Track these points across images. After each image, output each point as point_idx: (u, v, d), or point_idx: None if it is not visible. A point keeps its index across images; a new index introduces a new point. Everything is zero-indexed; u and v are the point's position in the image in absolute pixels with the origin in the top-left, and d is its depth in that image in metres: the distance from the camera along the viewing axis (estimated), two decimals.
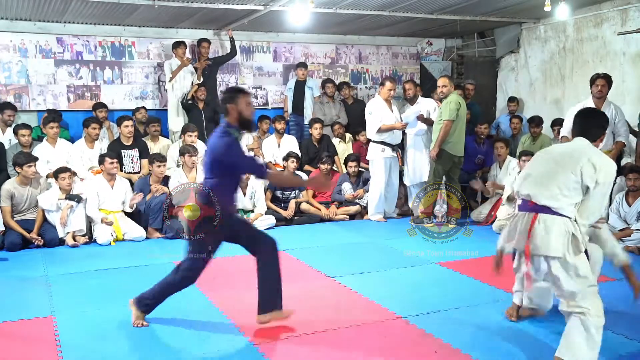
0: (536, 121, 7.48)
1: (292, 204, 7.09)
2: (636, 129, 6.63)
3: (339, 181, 7.40)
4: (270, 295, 3.61)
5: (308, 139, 8.10)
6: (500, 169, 7.03)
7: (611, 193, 5.96)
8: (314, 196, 7.38)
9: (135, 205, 6.37)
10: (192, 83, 7.83)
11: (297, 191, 7.26)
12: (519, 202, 3.25)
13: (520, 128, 8.14)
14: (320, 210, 7.19)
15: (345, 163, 7.54)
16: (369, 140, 7.25)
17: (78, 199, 6.01)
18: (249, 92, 3.67)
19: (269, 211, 6.91)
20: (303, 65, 8.55)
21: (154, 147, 7.27)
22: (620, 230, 5.68)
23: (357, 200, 7.36)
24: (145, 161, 6.94)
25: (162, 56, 8.24)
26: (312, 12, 6.78)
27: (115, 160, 6.33)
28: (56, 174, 6.10)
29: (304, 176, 7.40)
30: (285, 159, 7.23)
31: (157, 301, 3.69)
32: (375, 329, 3.69)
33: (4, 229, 5.82)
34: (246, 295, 3.64)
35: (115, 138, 7.23)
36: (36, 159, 6.05)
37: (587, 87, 5.99)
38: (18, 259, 5.50)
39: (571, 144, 3.24)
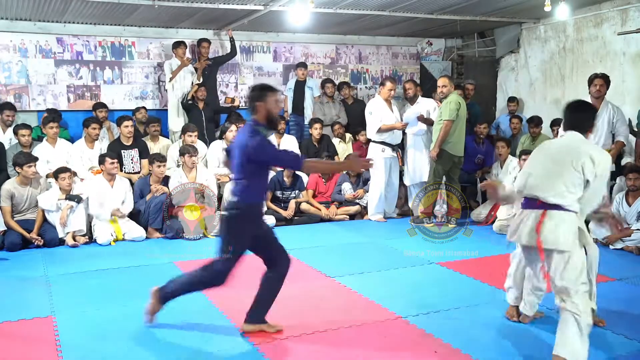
0: (535, 121, 7.48)
1: (292, 204, 7.09)
2: (636, 129, 6.63)
3: (339, 181, 7.40)
4: (263, 309, 3.61)
5: (308, 139, 8.10)
6: (501, 168, 7.04)
7: (611, 193, 5.98)
8: (314, 196, 7.38)
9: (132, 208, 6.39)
10: (192, 83, 7.83)
11: (297, 191, 7.26)
12: (522, 200, 3.31)
13: (520, 128, 8.13)
14: (320, 210, 7.19)
15: None
16: (369, 140, 7.25)
17: (78, 199, 6.01)
18: (277, 90, 3.55)
19: (269, 211, 6.90)
20: (303, 65, 8.55)
21: (154, 147, 7.27)
22: (620, 230, 5.67)
23: (357, 200, 7.35)
24: (145, 161, 6.93)
25: (162, 56, 8.24)
26: (312, 12, 6.78)
27: (115, 160, 6.33)
28: (56, 174, 6.09)
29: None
30: None
31: (178, 295, 3.62)
32: (375, 329, 3.69)
33: (4, 229, 5.82)
34: (246, 295, 3.63)
35: (115, 138, 7.23)
36: (36, 159, 6.05)
37: (587, 87, 5.99)
38: (18, 259, 5.50)
39: (565, 139, 3.34)
